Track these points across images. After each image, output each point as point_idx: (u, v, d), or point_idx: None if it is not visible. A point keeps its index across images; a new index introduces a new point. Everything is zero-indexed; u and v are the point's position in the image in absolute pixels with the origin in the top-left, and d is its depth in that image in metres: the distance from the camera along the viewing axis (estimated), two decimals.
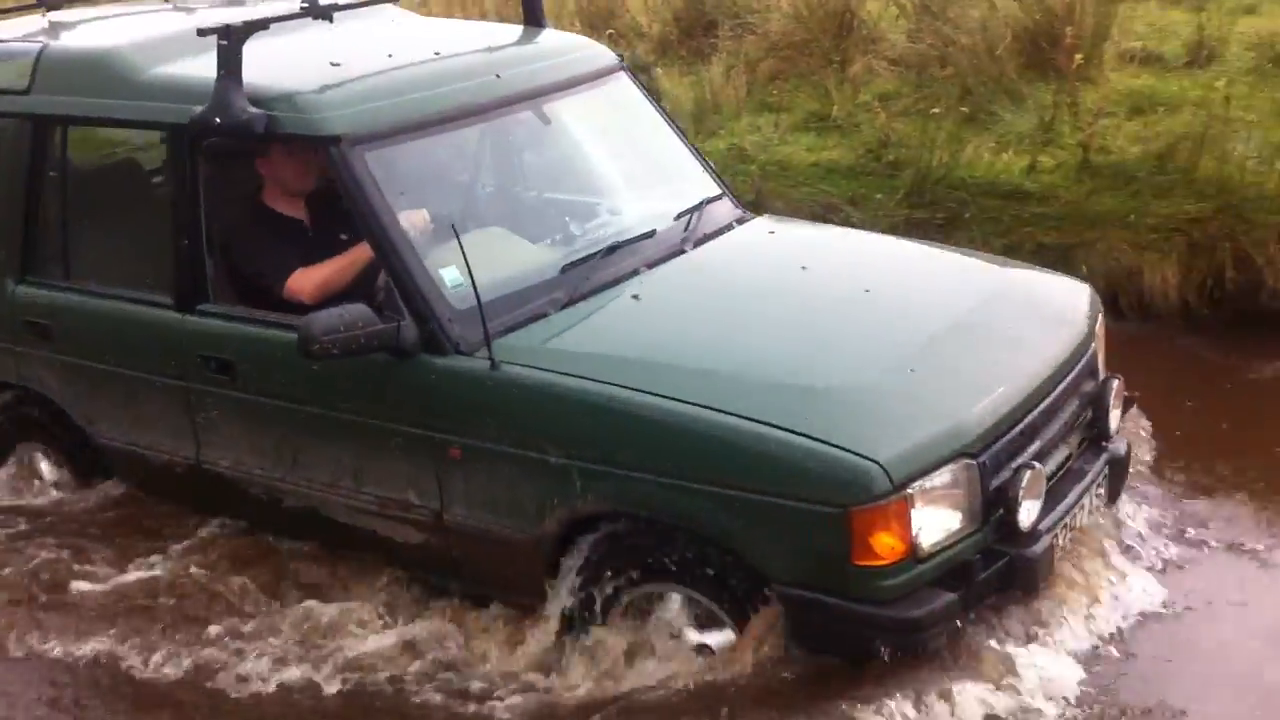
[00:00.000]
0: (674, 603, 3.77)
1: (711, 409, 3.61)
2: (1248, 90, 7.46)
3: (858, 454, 3.44)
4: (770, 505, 3.50)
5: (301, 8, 4.53)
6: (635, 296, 4.20)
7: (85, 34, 5.05)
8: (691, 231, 4.63)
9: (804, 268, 4.48)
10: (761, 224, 4.94)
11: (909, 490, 3.41)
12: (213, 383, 4.45)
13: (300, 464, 4.39)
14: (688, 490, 3.60)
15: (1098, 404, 4.18)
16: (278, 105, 4.11)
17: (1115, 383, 4.22)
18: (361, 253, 4.28)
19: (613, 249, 4.35)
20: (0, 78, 4.82)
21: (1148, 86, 7.47)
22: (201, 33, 4.12)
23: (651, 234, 4.49)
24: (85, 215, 4.87)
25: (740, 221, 4.89)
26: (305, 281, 4.34)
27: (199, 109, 4.12)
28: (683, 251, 4.54)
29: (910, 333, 3.99)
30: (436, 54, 4.56)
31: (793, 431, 3.51)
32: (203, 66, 4.22)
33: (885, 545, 3.43)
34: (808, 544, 3.51)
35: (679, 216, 4.65)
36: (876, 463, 3.40)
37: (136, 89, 4.49)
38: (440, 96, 4.30)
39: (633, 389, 3.71)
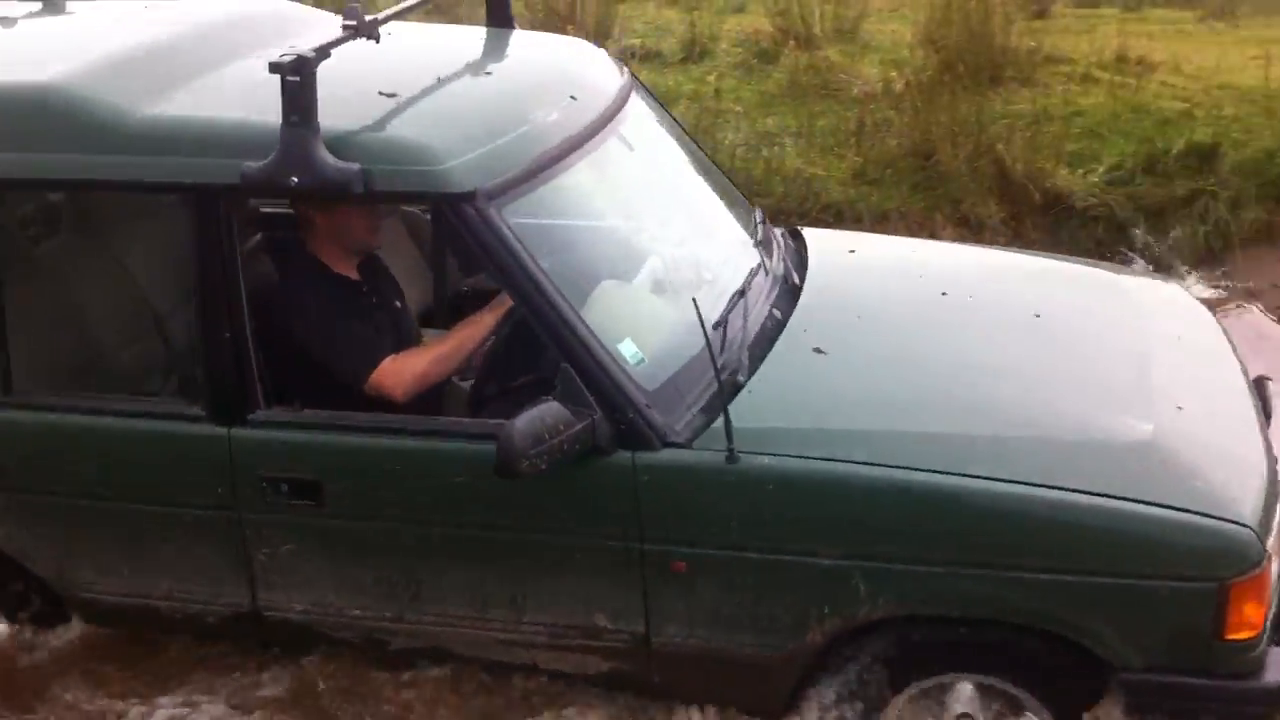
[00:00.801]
0: (965, 692, 3.29)
1: (1044, 486, 3.13)
2: (735, 83, 8.42)
3: (1230, 520, 3.10)
4: (1130, 588, 3.10)
5: (345, 26, 3.41)
6: (818, 350, 3.54)
7: None
8: (783, 260, 3.97)
9: (943, 293, 3.90)
10: (821, 240, 4.30)
11: (1268, 551, 3.07)
12: (284, 510, 3.50)
13: (425, 598, 3.56)
14: (1022, 583, 3.13)
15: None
16: (376, 157, 3.24)
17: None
18: (469, 336, 3.62)
19: (742, 293, 3.55)
20: None
21: (648, 81, 6.99)
22: (274, 69, 3.13)
23: (759, 268, 3.78)
24: (35, 308, 3.82)
25: (785, 235, 4.24)
26: (400, 375, 3.54)
27: (251, 164, 3.22)
28: (797, 285, 3.88)
29: (1126, 362, 3.60)
30: (489, 73, 3.76)
31: (1151, 503, 3.11)
32: (211, 104, 3.50)
33: (1256, 615, 3.11)
34: (1174, 624, 3.14)
35: (757, 244, 3.93)
36: (1249, 528, 3.07)
37: (124, 139, 3.41)
38: (545, 129, 3.47)
39: (931, 470, 3.15)
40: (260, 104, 3.30)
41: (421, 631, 3.59)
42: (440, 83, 3.58)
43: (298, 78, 3.11)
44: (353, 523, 3.47)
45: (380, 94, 3.47)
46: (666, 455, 3.19)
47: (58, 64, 3.59)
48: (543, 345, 3.35)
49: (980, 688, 3.27)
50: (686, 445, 3.19)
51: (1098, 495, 3.12)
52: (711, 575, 3.29)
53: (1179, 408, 3.39)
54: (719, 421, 3.17)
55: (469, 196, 3.19)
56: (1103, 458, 3.24)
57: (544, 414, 3.03)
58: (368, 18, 3.40)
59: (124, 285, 3.94)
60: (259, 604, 3.65)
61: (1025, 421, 3.34)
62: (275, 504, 3.47)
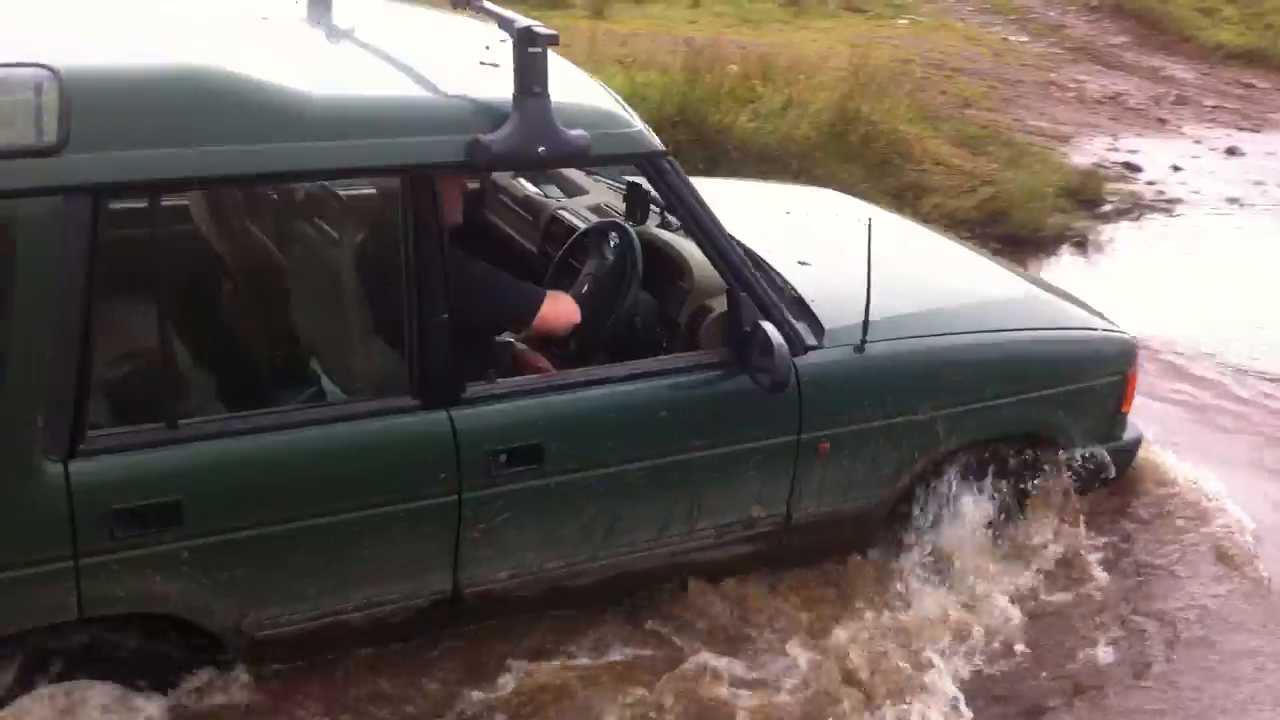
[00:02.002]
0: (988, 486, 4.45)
1: (1034, 329, 4.48)
2: None
3: (1122, 331, 4.72)
4: (1089, 388, 4.52)
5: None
6: (803, 263, 4.38)
7: (99, 50, 3.22)
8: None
9: (788, 212, 5.20)
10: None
11: None
12: (506, 480, 3.53)
13: (617, 532, 3.78)
14: (1035, 401, 4.36)
15: None
16: (587, 125, 3.44)
17: None
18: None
19: None
20: None
21: None
22: (521, 40, 3.22)
23: None
24: (198, 319, 3.49)
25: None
26: (559, 310, 3.81)
27: (488, 138, 3.25)
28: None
29: (920, 244, 5.29)
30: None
31: (1086, 329, 4.66)
32: (385, 86, 3.45)
33: (1133, 391, 4.70)
34: (1103, 408, 4.59)
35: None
36: (1129, 334, 4.74)
37: (296, 123, 3.14)
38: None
39: (979, 331, 4.31)
40: (412, 81, 3.43)
41: (605, 566, 3.83)
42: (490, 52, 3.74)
43: (539, 49, 3.23)
44: (569, 476, 3.63)
45: (483, 64, 3.65)
46: (815, 357, 3.91)
47: (195, 44, 3.27)
48: (618, 293, 3.94)
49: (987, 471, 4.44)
50: (824, 347, 3.94)
51: (1061, 330, 4.59)
52: (845, 449, 4.03)
53: (997, 272, 5.14)
54: (829, 325, 4.00)
55: (665, 153, 3.69)
56: (1029, 308, 4.67)
57: (773, 333, 3.62)
58: None
59: (296, 283, 3.72)
60: (460, 585, 3.62)
61: (966, 292, 4.63)
62: (497, 476, 3.50)
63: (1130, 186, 10.50)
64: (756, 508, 4.00)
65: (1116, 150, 11.70)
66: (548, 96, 3.29)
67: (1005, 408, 4.31)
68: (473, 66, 3.65)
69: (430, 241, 3.33)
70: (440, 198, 3.37)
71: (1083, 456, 4.57)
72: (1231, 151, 12.15)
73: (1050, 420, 4.45)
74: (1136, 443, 4.86)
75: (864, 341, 3.95)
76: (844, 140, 9.37)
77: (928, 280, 4.54)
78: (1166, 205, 10.20)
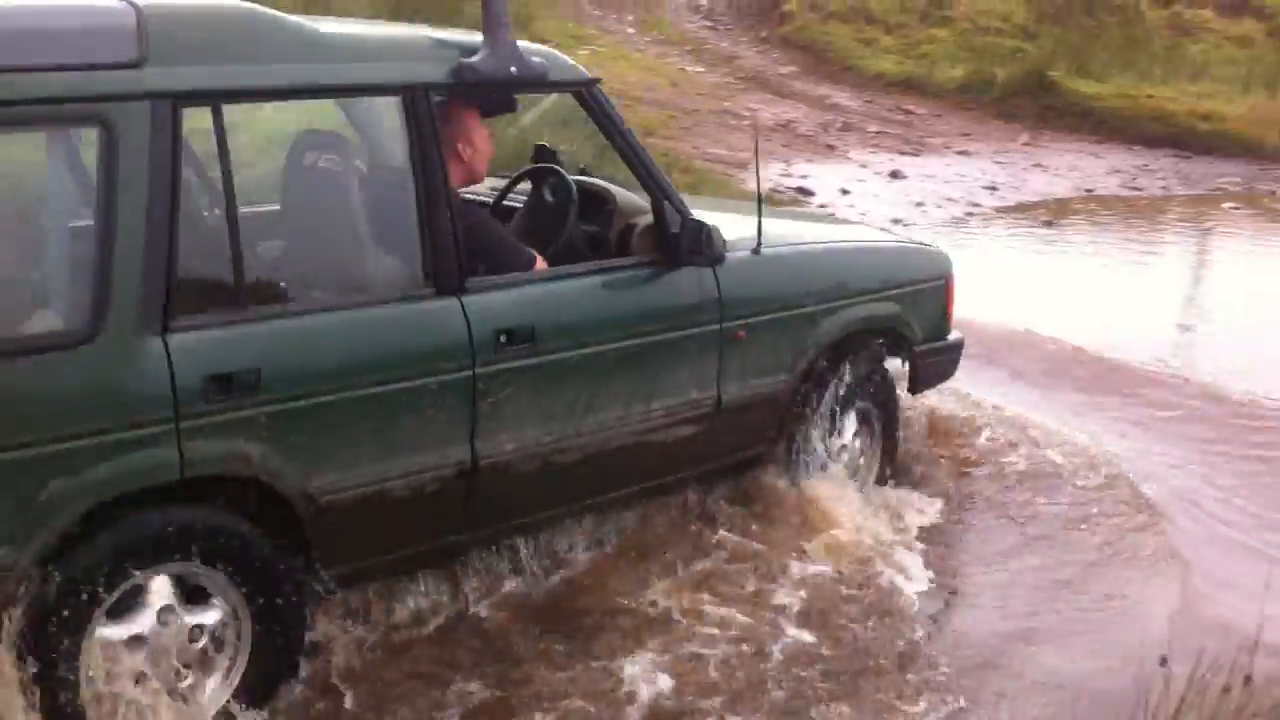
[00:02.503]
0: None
1: (883, 243, 5.76)
2: None
3: (940, 249, 5.82)
4: (925, 288, 5.37)
5: None
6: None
7: None
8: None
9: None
10: None
11: None
12: (506, 357, 4.09)
13: (592, 410, 4.39)
14: (894, 298, 5.23)
15: None
16: (543, 57, 4.22)
17: None
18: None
19: None
20: (79, 50, 3.41)
21: None
22: None
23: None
24: (252, 221, 3.91)
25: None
26: (541, 264, 4.43)
27: (471, 60, 3.97)
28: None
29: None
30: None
31: (915, 243, 5.86)
32: (380, 28, 4.30)
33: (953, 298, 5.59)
34: (936, 309, 5.45)
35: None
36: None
37: (322, 49, 3.82)
38: None
39: (841, 242, 5.36)
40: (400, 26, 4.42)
41: (586, 443, 4.38)
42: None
43: None
44: (555, 356, 4.21)
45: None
46: (730, 259, 4.60)
47: None
48: (562, 223, 4.66)
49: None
50: (730, 252, 4.60)
51: (898, 242, 5.81)
52: (755, 336, 4.75)
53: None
54: (734, 237, 4.64)
55: (598, 81, 4.45)
56: (867, 233, 6.09)
57: (710, 223, 4.42)
58: None
59: (341, 198, 4.10)
60: (477, 456, 4.09)
61: (818, 227, 5.84)
62: (499, 354, 4.05)
63: (804, 209, 10.97)
64: (694, 390, 4.67)
65: (790, 175, 12.21)
66: (507, 27, 4.01)
67: (865, 303, 5.15)
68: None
69: (430, 149, 3.95)
70: (435, 118, 3.97)
71: (922, 350, 5.41)
72: (895, 174, 12.87)
73: (898, 315, 5.28)
74: (961, 343, 5.66)
75: (759, 246, 4.71)
76: None
77: (784, 221, 5.40)
78: None
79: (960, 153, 14.28)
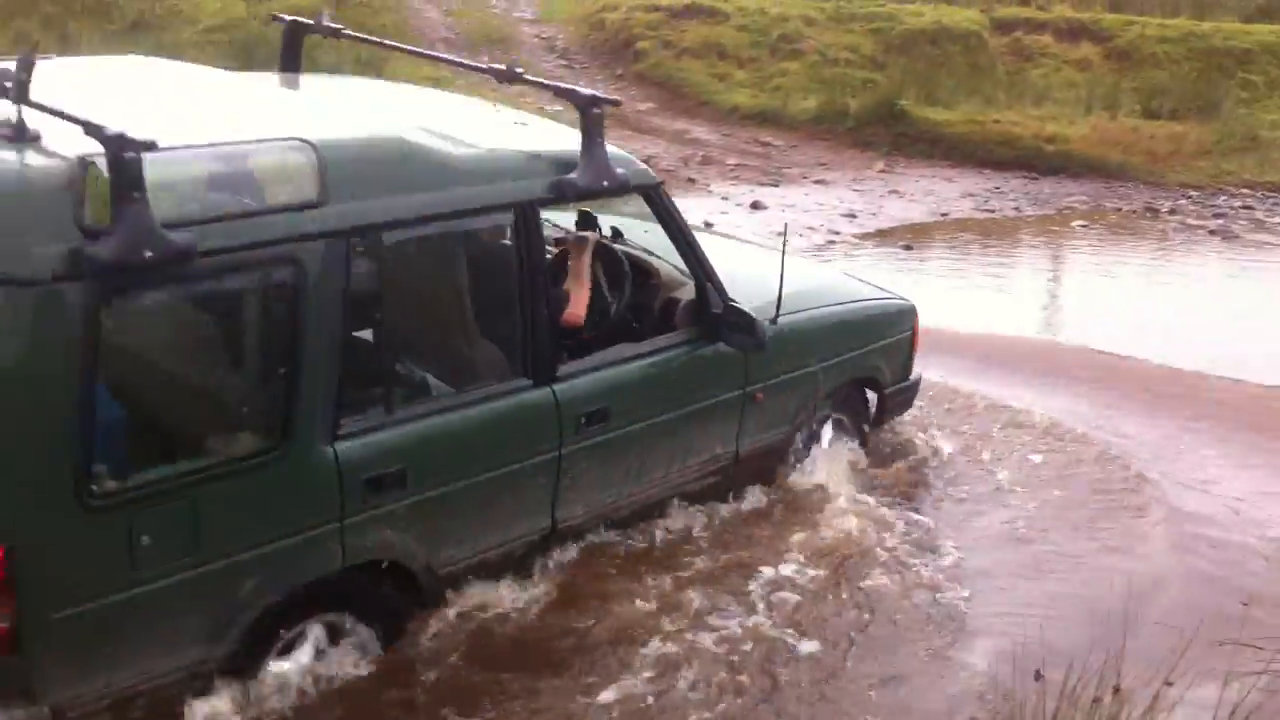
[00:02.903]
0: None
1: (867, 300, 6.21)
2: None
3: (906, 300, 6.40)
4: (897, 341, 6.16)
5: (494, 69, 5.15)
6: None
7: (315, 125, 4.11)
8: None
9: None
10: None
11: None
12: (584, 436, 4.73)
13: (645, 470, 5.11)
14: (875, 352, 6.03)
15: None
16: (622, 164, 4.82)
17: None
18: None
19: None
20: (275, 193, 3.78)
21: None
22: (575, 98, 4.59)
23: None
24: (398, 334, 4.33)
25: None
26: (578, 308, 5.06)
27: (571, 178, 4.53)
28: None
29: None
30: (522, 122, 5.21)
31: (889, 295, 6.39)
32: (481, 135, 4.58)
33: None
34: (905, 358, 6.24)
35: None
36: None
37: (458, 173, 4.29)
38: None
39: (837, 304, 5.93)
40: (506, 141, 4.66)
41: (633, 500, 5.12)
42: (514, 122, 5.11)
43: (600, 111, 4.58)
44: (621, 431, 4.87)
45: (516, 124, 5.04)
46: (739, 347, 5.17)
47: (378, 119, 4.43)
48: (619, 293, 5.29)
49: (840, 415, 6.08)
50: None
51: (872, 300, 6.21)
52: (771, 396, 5.51)
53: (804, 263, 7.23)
54: (753, 305, 5.14)
55: (660, 185, 5.02)
56: (846, 288, 6.33)
57: (753, 314, 5.03)
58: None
59: (448, 299, 4.52)
60: (556, 522, 4.81)
61: (805, 279, 6.01)
62: (580, 435, 4.70)
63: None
64: (719, 446, 5.43)
65: None
66: (602, 145, 4.59)
67: (853, 359, 5.93)
68: (513, 127, 4.99)
69: (532, 258, 4.52)
70: (539, 227, 4.53)
71: (890, 392, 6.25)
72: (756, 205, 13.00)
73: (876, 365, 6.10)
74: (919, 380, 6.53)
75: (777, 316, 5.27)
76: None
77: (770, 271, 5.37)
78: None
79: (818, 182, 14.49)
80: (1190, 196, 15.07)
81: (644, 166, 5.06)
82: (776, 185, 14.20)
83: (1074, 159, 15.71)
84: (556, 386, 4.62)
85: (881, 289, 6.49)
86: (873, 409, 6.30)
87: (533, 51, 20.67)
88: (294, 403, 3.88)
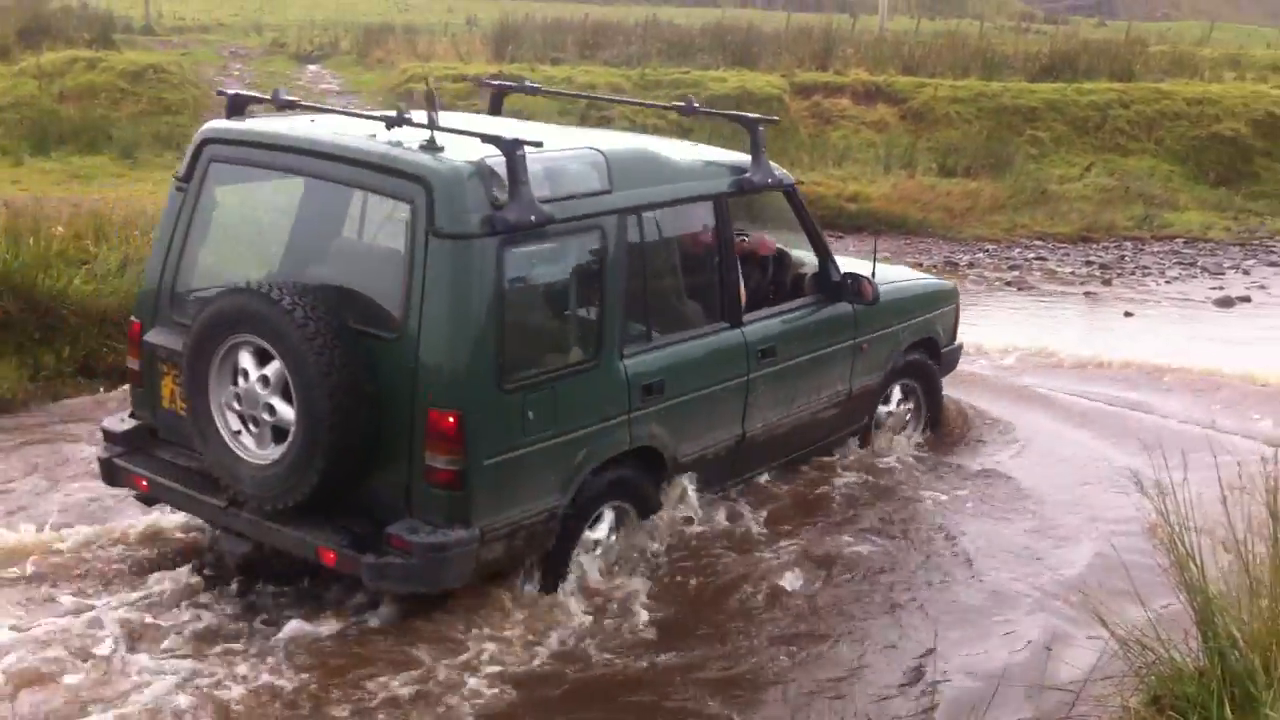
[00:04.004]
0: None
1: (931, 281, 8.41)
2: None
3: (950, 282, 8.73)
4: (945, 312, 7.96)
5: (675, 105, 7.30)
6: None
7: (592, 139, 6.05)
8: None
9: None
10: None
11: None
12: (761, 367, 6.45)
13: (795, 398, 6.78)
14: (930, 319, 7.81)
15: None
16: (776, 170, 6.69)
17: None
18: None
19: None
20: (588, 182, 5.56)
21: None
22: (744, 122, 6.67)
23: None
24: (655, 284, 5.99)
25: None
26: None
27: (749, 176, 6.45)
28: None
29: None
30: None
31: (938, 279, 8.71)
32: (685, 151, 6.47)
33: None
34: (952, 324, 8.11)
35: None
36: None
37: (680, 173, 6.15)
38: None
39: (907, 283, 7.85)
40: (695, 152, 6.59)
41: (786, 420, 6.79)
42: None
43: (763, 129, 6.61)
44: (783, 365, 6.60)
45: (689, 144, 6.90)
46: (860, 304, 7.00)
47: (603, 140, 6.06)
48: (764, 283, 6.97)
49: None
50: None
51: (930, 280, 8.40)
52: (871, 347, 7.22)
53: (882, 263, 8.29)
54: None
55: (797, 185, 6.92)
56: (911, 273, 8.51)
57: (870, 279, 6.91)
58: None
59: (680, 261, 6.24)
60: (745, 431, 6.49)
61: (886, 269, 7.73)
62: (759, 365, 6.43)
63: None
64: (839, 384, 7.12)
65: None
66: (765, 156, 6.55)
67: (923, 322, 7.73)
68: (689, 146, 6.81)
69: (724, 238, 6.31)
70: (729, 213, 6.35)
71: (946, 351, 8.02)
72: None
73: (935, 329, 7.87)
74: (961, 345, 8.37)
75: (877, 296, 6.93)
76: None
77: (859, 263, 7.38)
78: None
79: None
80: (987, 250, 15.72)
81: (786, 172, 6.83)
82: None
83: (876, 216, 16.22)
84: (744, 329, 6.38)
85: (933, 276, 8.96)
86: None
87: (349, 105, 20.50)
88: (602, 328, 5.59)
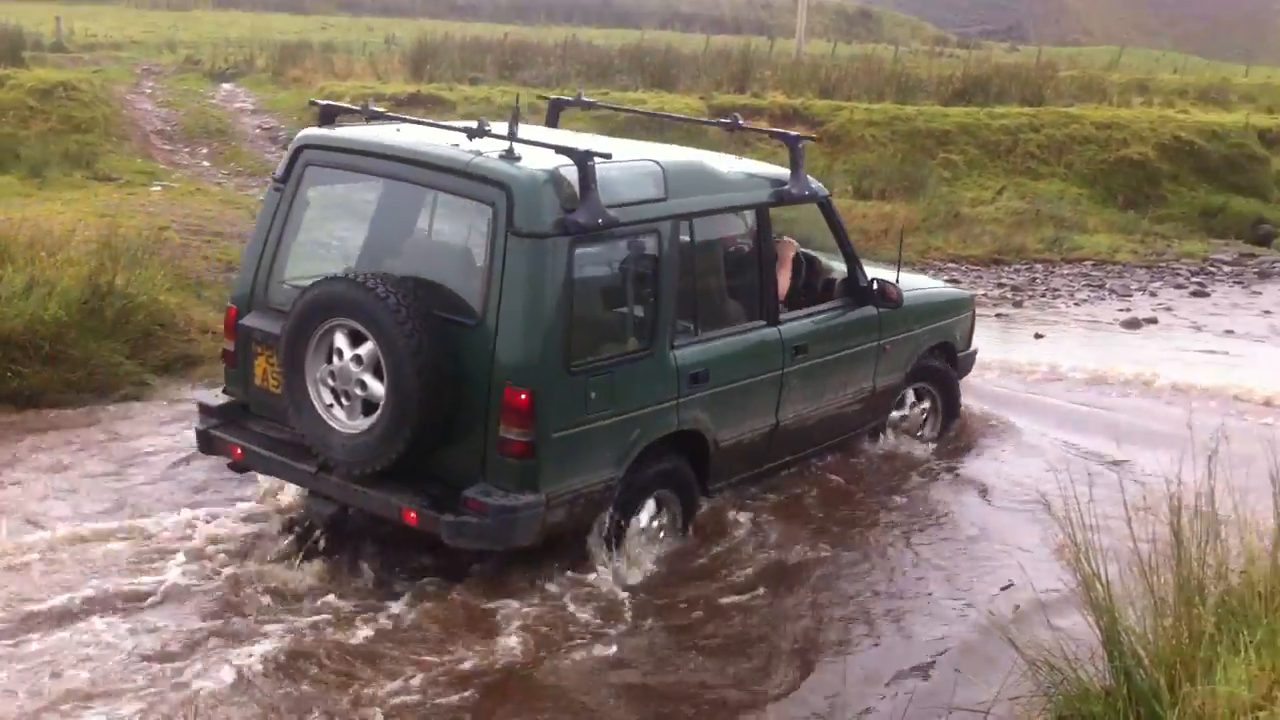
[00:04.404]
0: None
1: (949, 289, 9.37)
2: None
3: (967, 290, 10.26)
4: (962, 318, 8.65)
5: (720, 121, 8.28)
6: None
7: (649, 151, 6.76)
8: None
9: None
10: None
11: None
12: (795, 363, 7.11)
13: (824, 393, 7.43)
14: (948, 324, 8.50)
15: None
16: (814, 183, 7.45)
17: None
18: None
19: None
20: (646, 190, 6.24)
21: None
22: (786, 139, 7.50)
23: None
24: (702, 283, 6.67)
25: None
26: (783, 283, 7.43)
27: (787, 188, 7.17)
28: None
29: None
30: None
31: (954, 286, 10.59)
32: (730, 164, 7.15)
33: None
34: (967, 329, 8.79)
35: None
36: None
37: (726, 184, 6.82)
38: None
39: (927, 290, 8.63)
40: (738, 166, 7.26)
41: (813, 413, 7.40)
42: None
43: (803, 145, 7.36)
44: (812, 361, 7.22)
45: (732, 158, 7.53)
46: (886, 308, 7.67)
47: (660, 153, 6.71)
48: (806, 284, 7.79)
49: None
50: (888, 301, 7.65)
51: (948, 288, 9.59)
52: (893, 349, 7.86)
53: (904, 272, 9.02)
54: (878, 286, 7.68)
55: (830, 195, 7.64)
56: (930, 281, 9.55)
57: (895, 284, 7.58)
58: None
59: (726, 263, 6.96)
60: (779, 420, 7.11)
61: (909, 277, 8.63)
62: (792, 361, 7.07)
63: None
64: (864, 381, 7.76)
65: None
66: (803, 169, 7.27)
67: (941, 327, 8.40)
68: (734, 160, 7.44)
69: (764, 243, 7.01)
70: (769, 221, 7.09)
71: (962, 355, 8.71)
72: None
73: (952, 334, 8.54)
74: (976, 350, 9.10)
75: (900, 300, 7.63)
76: (100, 317, 8.87)
77: (883, 270, 8.02)
78: None
79: None
80: None
81: (820, 185, 7.55)
82: None
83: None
84: (780, 327, 7.04)
85: (951, 284, 10.07)
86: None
87: (254, 142, 20.31)
88: (656, 321, 6.26)
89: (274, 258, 6.38)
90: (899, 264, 7.85)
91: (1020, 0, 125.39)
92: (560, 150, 5.79)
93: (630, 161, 6.31)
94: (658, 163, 6.34)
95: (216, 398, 6.64)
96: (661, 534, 6.51)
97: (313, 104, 6.77)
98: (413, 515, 5.72)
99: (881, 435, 8.16)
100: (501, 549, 5.91)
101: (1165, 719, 4.09)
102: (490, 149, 5.89)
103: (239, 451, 6.34)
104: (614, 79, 24.46)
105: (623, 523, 6.22)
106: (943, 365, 8.44)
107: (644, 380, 6.16)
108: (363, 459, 5.80)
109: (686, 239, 6.39)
